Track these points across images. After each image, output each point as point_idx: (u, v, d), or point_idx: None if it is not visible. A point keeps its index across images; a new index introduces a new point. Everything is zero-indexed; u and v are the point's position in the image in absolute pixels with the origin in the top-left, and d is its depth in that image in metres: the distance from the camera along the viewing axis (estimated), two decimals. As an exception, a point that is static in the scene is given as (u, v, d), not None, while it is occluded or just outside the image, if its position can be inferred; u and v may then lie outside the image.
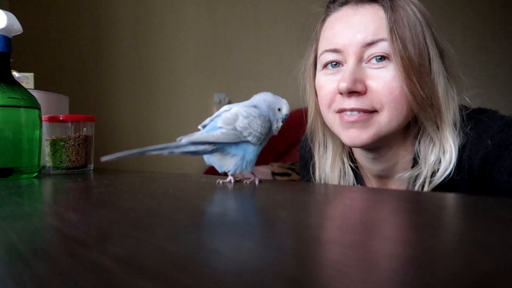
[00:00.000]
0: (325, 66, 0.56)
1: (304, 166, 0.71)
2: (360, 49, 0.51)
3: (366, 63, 0.51)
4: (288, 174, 1.85)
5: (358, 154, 0.62)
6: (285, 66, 2.23)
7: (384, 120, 0.51)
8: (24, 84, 0.66)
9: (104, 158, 0.34)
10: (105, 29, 1.88)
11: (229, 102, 2.16)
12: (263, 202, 0.33)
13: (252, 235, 0.20)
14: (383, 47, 0.50)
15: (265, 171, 1.85)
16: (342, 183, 0.62)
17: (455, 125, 0.52)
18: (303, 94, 0.64)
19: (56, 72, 1.71)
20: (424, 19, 0.52)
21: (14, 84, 0.60)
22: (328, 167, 0.63)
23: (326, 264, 0.15)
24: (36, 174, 0.61)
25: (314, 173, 0.66)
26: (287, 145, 2.13)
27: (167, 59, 2.04)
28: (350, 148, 0.63)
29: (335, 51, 0.53)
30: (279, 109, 0.45)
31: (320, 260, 0.15)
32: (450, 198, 0.33)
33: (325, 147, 0.64)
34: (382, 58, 0.50)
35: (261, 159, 1.66)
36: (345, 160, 0.63)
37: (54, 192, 0.44)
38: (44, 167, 0.69)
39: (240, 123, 0.41)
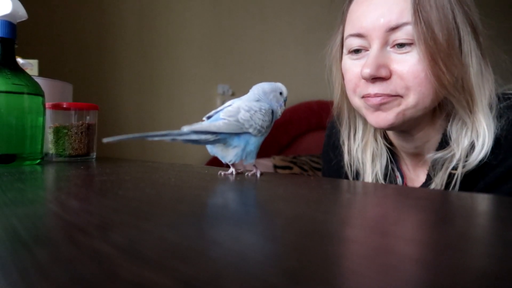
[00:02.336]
0: (350, 51, 0.55)
1: (336, 149, 0.68)
2: (384, 34, 0.50)
3: (391, 47, 0.50)
4: (290, 168, 1.85)
5: (390, 132, 0.61)
6: (289, 58, 2.21)
7: (411, 104, 0.50)
8: (28, 71, 0.66)
9: (105, 140, 0.35)
10: (110, 18, 1.87)
11: (233, 94, 2.15)
12: (264, 194, 0.33)
13: (252, 226, 0.20)
14: (407, 31, 0.48)
15: (267, 164, 1.85)
16: (376, 164, 0.61)
17: (490, 107, 0.50)
18: (329, 75, 0.63)
19: (61, 60, 1.71)
20: None
21: (19, 71, 0.60)
22: (359, 148, 0.62)
23: (325, 257, 0.15)
24: (39, 161, 0.61)
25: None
26: (289, 138, 2.13)
27: (171, 49, 2.03)
28: None
29: (359, 35, 0.52)
30: (280, 93, 0.47)
31: (319, 253, 0.15)
32: (458, 196, 0.33)
33: (355, 128, 0.63)
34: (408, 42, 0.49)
35: (263, 152, 1.66)
36: (380, 138, 0.61)
37: (57, 179, 0.44)
38: (47, 154, 0.69)
39: (242, 116, 0.42)
